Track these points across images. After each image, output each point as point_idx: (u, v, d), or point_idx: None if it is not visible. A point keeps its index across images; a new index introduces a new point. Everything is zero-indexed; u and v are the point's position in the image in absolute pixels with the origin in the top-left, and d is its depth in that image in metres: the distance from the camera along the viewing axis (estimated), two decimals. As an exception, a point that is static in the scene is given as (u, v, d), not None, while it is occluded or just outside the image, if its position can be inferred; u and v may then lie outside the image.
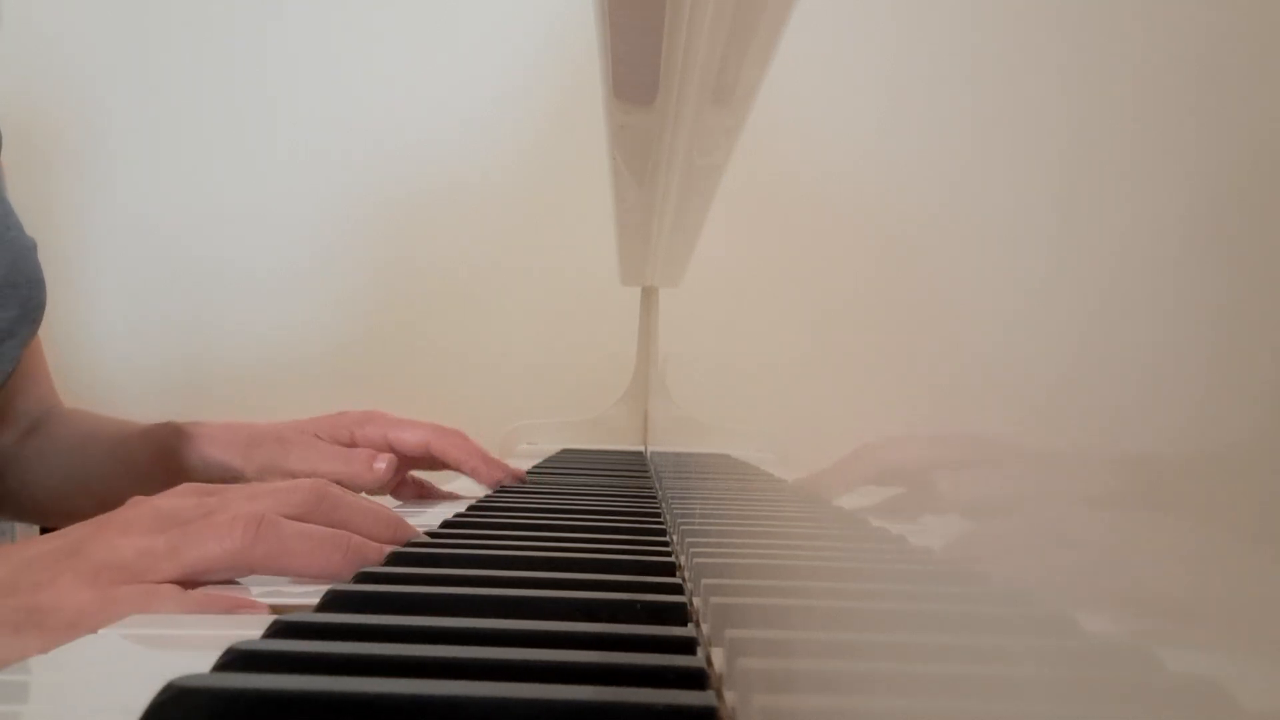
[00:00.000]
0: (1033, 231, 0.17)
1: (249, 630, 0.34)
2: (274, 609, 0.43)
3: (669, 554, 0.49)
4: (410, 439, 0.83)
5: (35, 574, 0.44)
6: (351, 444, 0.82)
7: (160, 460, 0.85)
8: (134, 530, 0.45)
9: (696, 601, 0.38)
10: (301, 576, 0.47)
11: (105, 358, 1.69)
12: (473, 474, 0.83)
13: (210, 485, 0.53)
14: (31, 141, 1.71)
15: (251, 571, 0.46)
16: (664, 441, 1.23)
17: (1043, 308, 0.16)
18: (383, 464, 0.74)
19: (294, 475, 0.78)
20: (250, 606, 0.43)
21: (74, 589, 0.43)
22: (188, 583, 0.45)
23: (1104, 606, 0.14)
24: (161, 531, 0.45)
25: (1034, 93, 0.17)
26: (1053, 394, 0.16)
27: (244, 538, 0.45)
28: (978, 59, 0.20)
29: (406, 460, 0.85)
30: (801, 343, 0.39)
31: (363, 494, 0.80)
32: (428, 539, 0.53)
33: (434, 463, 0.86)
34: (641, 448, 1.37)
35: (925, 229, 0.24)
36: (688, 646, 0.33)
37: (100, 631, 0.38)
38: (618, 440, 1.39)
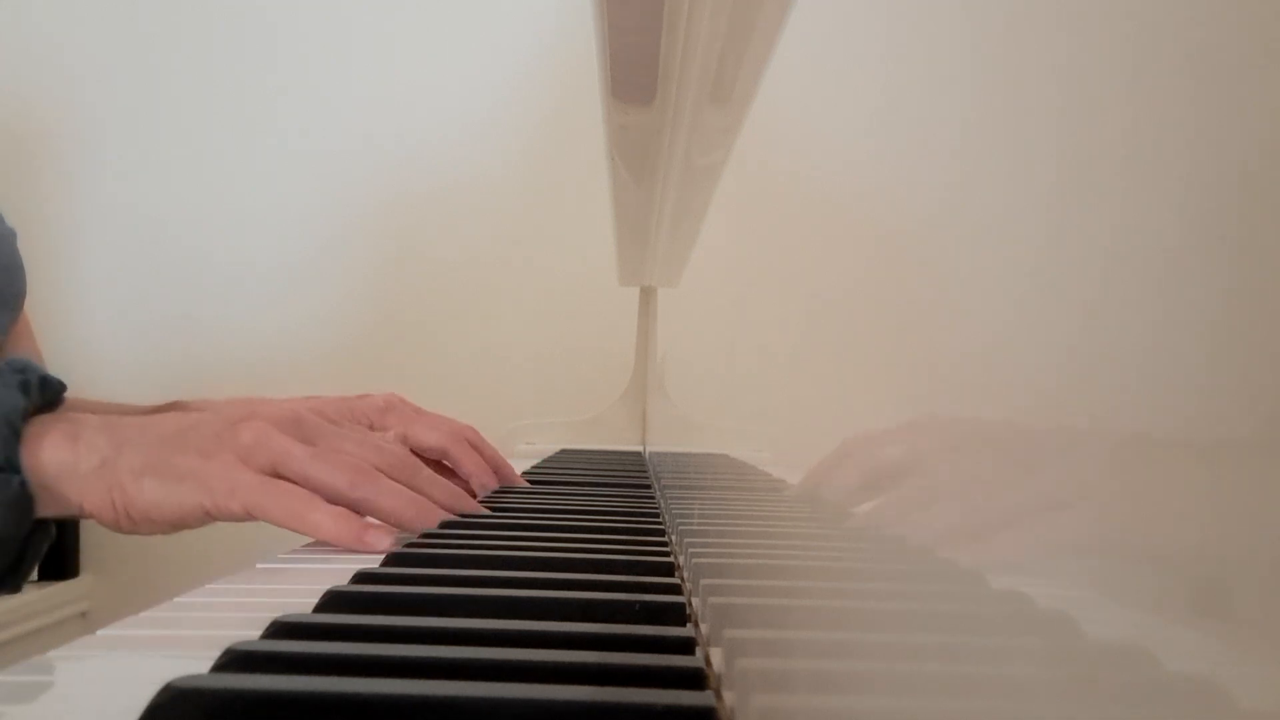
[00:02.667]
0: (1028, 230, 0.17)
1: (248, 630, 0.34)
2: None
3: (667, 554, 0.49)
4: (427, 442, 0.80)
5: (198, 441, 0.57)
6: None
7: None
8: (283, 428, 0.58)
9: (695, 601, 0.38)
10: (384, 520, 0.58)
11: (98, 353, 1.69)
12: (479, 490, 0.81)
13: (338, 405, 0.75)
14: (23, 136, 1.72)
15: (349, 505, 0.58)
16: (662, 441, 1.23)
17: (1039, 306, 0.16)
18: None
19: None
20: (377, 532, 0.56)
21: (235, 467, 0.56)
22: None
23: (1102, 605, 0.14)
24: (303, 439, 0.59)
25: (1030, 93, 0.17)
26: (1048, 389, 0.16)
27: (350, 480, 0.58)
28: (974, 60, 0.20)
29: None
30: (799, 342, 0.39)
31: None
32: (429, 538, 0.54)
33: (445, 468, 0.83)
34: (640, 448, 1.37)
35: (922, 228, 0.24)
36: (686, 647, 0.33)
37: (99, 632, 0.38)
38: (616, 440, 1.39)
